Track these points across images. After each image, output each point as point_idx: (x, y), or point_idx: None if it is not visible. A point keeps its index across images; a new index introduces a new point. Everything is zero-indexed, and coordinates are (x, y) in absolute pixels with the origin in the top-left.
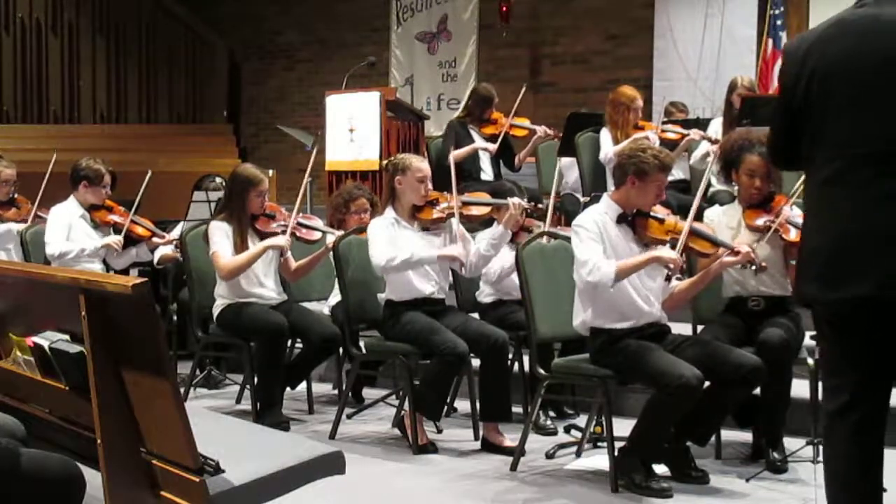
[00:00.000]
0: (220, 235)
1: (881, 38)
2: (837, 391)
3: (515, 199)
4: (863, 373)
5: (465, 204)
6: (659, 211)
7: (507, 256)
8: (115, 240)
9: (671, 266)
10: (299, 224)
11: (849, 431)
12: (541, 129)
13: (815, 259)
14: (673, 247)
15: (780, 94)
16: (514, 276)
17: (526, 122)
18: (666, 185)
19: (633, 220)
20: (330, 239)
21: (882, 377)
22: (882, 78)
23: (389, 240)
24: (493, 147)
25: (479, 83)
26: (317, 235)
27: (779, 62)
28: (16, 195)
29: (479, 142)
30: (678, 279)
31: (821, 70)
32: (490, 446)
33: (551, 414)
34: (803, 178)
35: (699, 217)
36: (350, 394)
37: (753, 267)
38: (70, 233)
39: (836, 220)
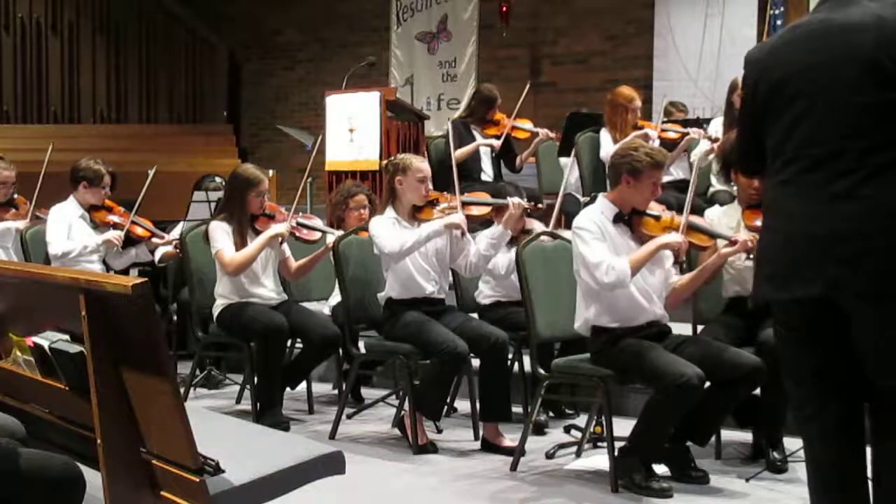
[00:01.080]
0: (222, 234)
1: (833, 42)
2: (804, 400)
3: (515, 199)
4: (821, 382)
5: (466, 204)
6: (654, 208)
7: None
8: (116, 235)
9: (677, 249)
10: (299, 224)
11: (821, 436)
12: (543, 133)
13: (767, 259)
14: None
15: (742, 101)
16: (513, 278)
17: (528, 125)
18: (665, 185)
19: (630, 220)
20: (330, 239)
21: (842, 380)
22: (833, 81)
23: (395, 231)
24: (496, 143)
25: (482, 84)
26: (317, 235)
27: None
28: (15, 196)
29: (480, 139)
30: (678, 275)
31: (777, 75)
32: (490, 446)
33: (550, 414)
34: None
35: (699, 216)
36: (350, 394)
37: (751, 256)
38: (70, 233)
39: (787, 221)
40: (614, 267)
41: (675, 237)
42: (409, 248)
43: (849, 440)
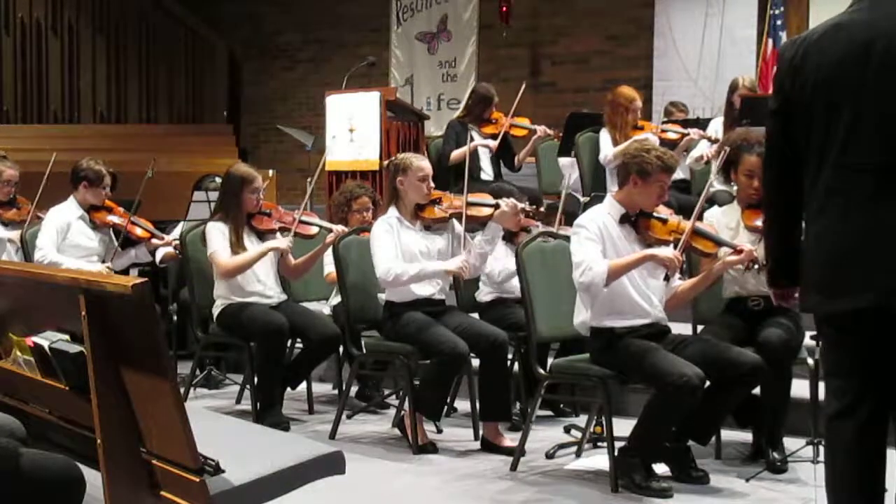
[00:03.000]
0: (217, 235)
1: (876, 43)
2: (840, 393)
3: (511, 200)
4: (864, 377)
5: (470, 204)
6: (662, 211)
7: (508, 259)
8: (104, 269)
9: (667, 265)
10: (297, 220)
11: (850, 435)
12: (540, 129)
13: (814, 269)
14: (675, 247)
15: (774, 97)
16: (515, 278)
17: (526, 122)
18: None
19: (637, 221)
20: (330, 235)
21: (883, 382)
22: (878, 86)
23: (394, 248)
24: (493, 144)
25: (479, 83)
26: (314, 230)
27: None
28: (16, 196)
29: (477, 139)
30: (680, 279)
31: (816, 78)
32: (490, 446)
33: (546, 413)
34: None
35: (699, 217)
36: (355, 395)
37: (756, 266)
38: (68, 234)
39: (834, 231)
40: (592, 268)
41: (664, 252)
42: (402, 283)
43: (875, 443)
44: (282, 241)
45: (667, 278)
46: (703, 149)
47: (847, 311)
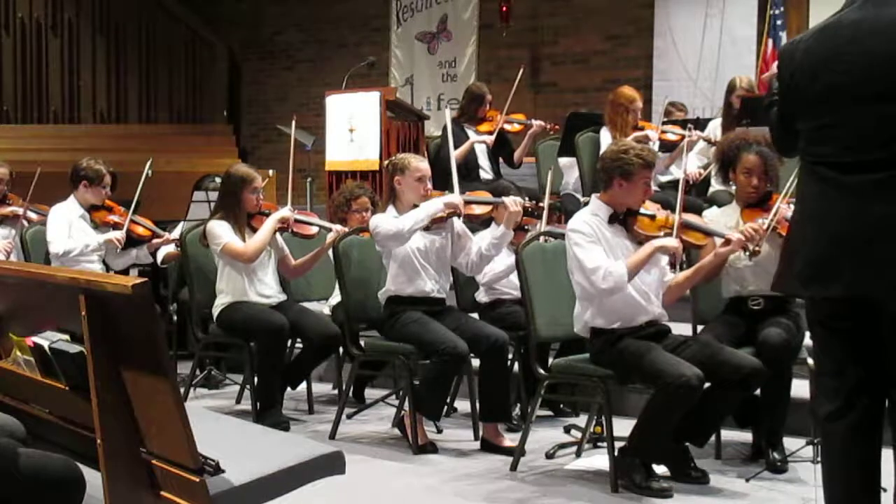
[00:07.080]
0: (223, 229)
1: (863, 42)
2: (832, 395)
3: (516, 198)
4: (854, 377)
5: (467, 203)
6: (649, 207)
7: (500, 261)
8: (118, 235)
9: (673, 251)
10: (295, 220)
11: (843, 436)
12: (536, 123)
13: (796, 255)
14: None
15: (778, 94)
16: (512, 276)
17: (521, 118)
18: (665, 184)
19: (625, 219)
20: (330, 235)
21: (874, 381)
22: (863, 83)
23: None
24: (489, 139)
25: (472, 82)
26: (313, 230)
27: None
28: (8, 194)
29: (473, 136)
30: (672, 273)
31: (807, 76)
32: (490, 446)
33: (546, 413)
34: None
35: (685, 209)
36: (351, 393)
37: (747, 252)
38: (70, 232)
39: (817, 220)
40: (611, 272)
41: (670, 241)
42: (412, 227)
43: (870, 441)
44: (285, 210)
45: (672, 266)
46: (693, 167)
47: (823, 297)
